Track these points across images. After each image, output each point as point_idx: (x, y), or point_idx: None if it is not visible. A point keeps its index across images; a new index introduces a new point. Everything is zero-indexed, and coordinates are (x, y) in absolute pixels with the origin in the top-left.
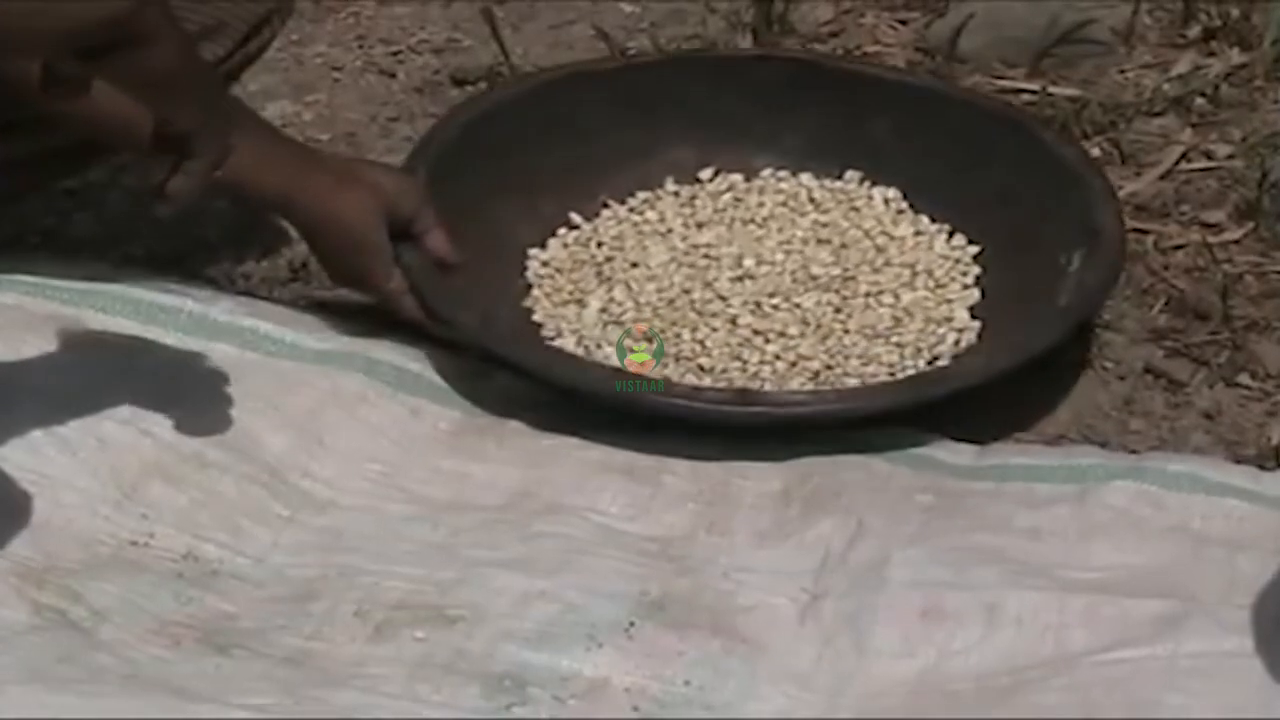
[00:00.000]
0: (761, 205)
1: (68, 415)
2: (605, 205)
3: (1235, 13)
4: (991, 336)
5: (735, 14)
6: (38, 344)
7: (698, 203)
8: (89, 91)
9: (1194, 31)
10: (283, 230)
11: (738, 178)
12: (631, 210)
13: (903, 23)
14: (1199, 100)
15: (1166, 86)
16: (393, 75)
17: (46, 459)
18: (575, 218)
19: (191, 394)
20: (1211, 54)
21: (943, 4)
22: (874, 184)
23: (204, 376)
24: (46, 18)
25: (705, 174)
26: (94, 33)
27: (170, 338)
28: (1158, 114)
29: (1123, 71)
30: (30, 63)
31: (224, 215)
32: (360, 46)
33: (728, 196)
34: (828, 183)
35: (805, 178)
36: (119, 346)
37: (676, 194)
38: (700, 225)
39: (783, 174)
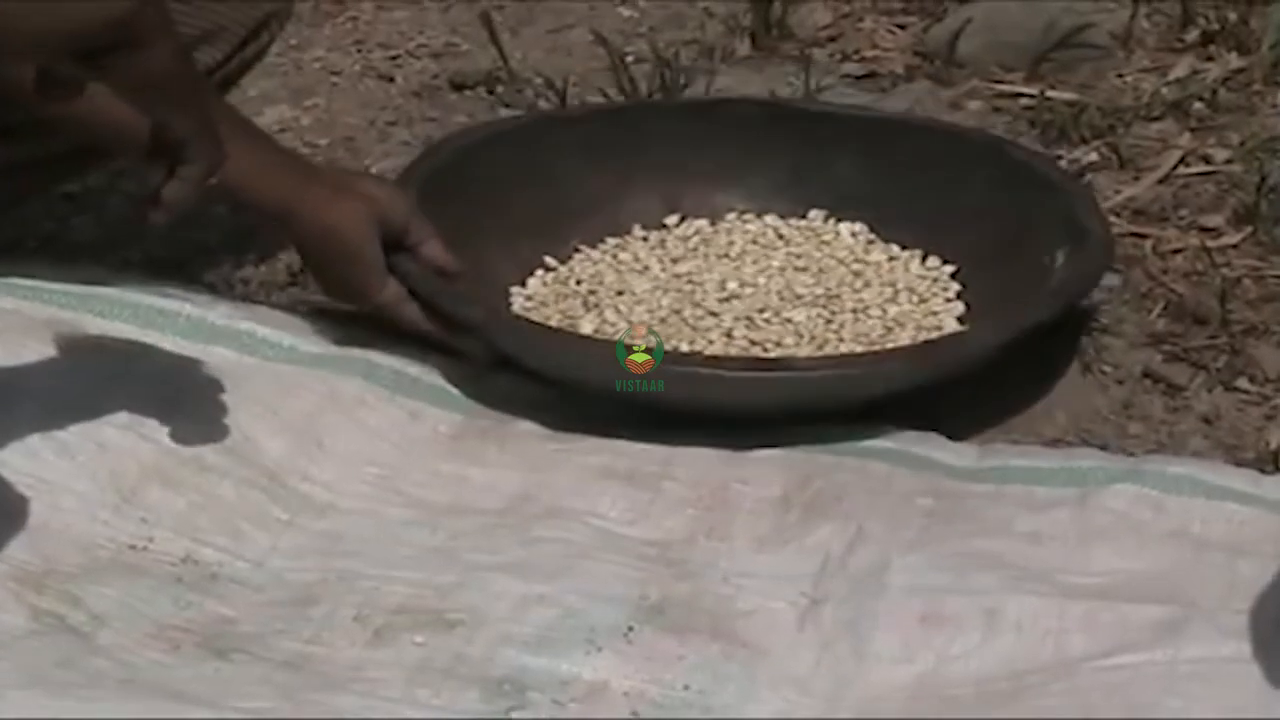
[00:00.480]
0: (732, 243)
1: (67, 419)
2: (577, 249)
3: (1233, 17)
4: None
5: (733, 18)
6: (37, 348)
7: (669, 244)
8: (83, 95)
9: (1192, 35)
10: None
11: (703, 223)
12: (604, 253)
13: (901, 27)
14: (1197, 104)
15: (1165, 90)
16: (391, 80)
17: (45, 463)
18: (550, 260)
19: (190, 398)
20: (1210, 58)
21: (941, 8)
22: (839, 220)
23: (203, 380)
24: (48, 18)
25: (671, 220)
26: (96, 34)
27: (169, 342)
28: (1156, 118)
29: (1121, 75)
30: (27, 64)
31: (222, 220)
32: (359, 51)
33: (697, 238)
34: (793, 221)
35: (770, 219)
36: (117, 351)
37: (645, 239)
38: (676, 260)
39: (748, 216)
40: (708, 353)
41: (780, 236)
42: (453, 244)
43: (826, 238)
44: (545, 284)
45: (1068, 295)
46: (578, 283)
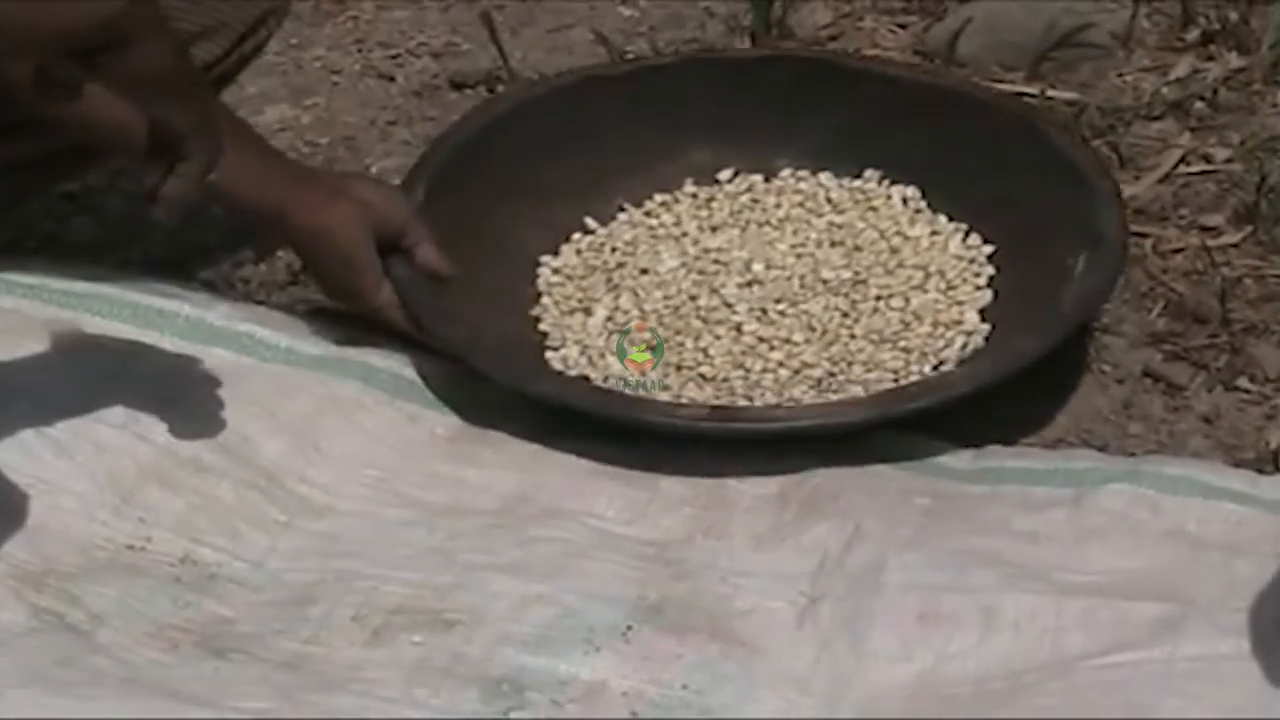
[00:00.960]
0: (778, 207)
1: (65, 419)
2: (621, 209)
3: (1234, 16)
4: (992, 342)
5: (734, 18)
6: (35, 347)
7: (714, 204)
8: (82, 94)
9: (1192, 35)
10: None
11: (757, 178)
12: (647, 214)
13: (901, 26)
14: (1198, 104)
15: (1165, 90)
16: (391, 79)
17: (44, 463)
18: (590, 222)
19: (188, 398)
20: (1210, 58)
21: (941, 7)
22: (893, 183)
23: (201, 381)
24: (38, 18)
25: (724, 175)
26: (85, 35)
27: (167, 342)
28: (1156, 117)
29: (1121, 75)
30: (24, 64)
31: (222, 220)
32: (359, 50)
33: (745, 198)
34: (847, 182)
35: (824, 177)
36: (115, 350)
37: (694, 195)
38: (714, 229)
39: (802, 174)
40: (711, 351)
41: (829, 200)
42: (482, 212)
43: (876, 203)
44: (579, 251)
45: (1072, 322)
46: (611, 250)
